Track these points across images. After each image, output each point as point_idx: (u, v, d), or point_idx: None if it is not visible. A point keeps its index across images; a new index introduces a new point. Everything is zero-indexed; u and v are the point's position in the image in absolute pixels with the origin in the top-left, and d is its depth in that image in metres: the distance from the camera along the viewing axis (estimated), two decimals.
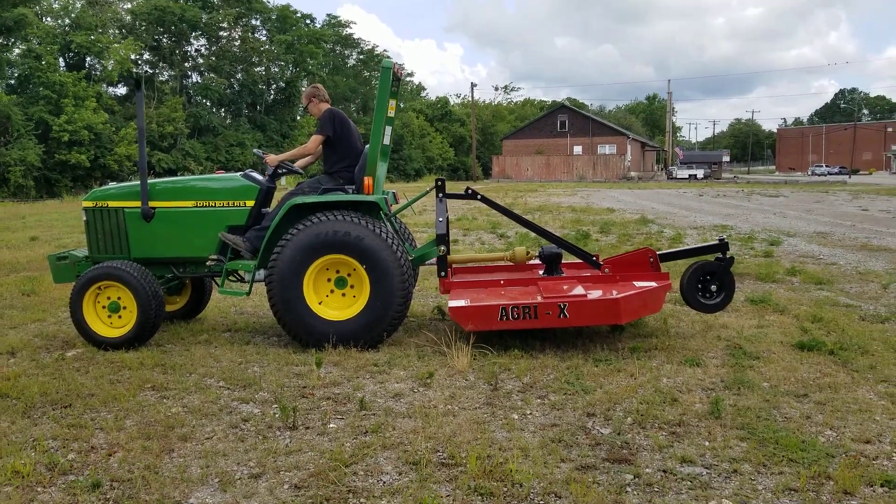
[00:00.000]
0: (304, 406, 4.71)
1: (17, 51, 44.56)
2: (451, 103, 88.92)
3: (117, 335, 6.16)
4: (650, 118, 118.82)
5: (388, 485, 3.58)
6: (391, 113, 6.50)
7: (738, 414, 4.47)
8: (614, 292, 6.04)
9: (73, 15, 49.75)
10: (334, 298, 6.14)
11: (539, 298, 5.90)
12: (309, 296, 6.02)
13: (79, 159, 41.66)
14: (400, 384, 5.18)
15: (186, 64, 58.29)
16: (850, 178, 65.02)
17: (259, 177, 6.67)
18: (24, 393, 4.95)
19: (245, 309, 8.00)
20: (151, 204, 6.49)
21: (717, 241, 6.62)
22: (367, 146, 6.40)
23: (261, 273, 6.28)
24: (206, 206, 6.47)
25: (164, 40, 55.87)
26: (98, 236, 6.61)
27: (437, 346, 6.00)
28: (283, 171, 6.72)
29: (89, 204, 6.64)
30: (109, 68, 48.50)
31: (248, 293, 6.54)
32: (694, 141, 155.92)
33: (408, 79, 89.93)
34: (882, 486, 3.53)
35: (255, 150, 7.24)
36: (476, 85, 77.66)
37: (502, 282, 6.60)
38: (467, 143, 79.23)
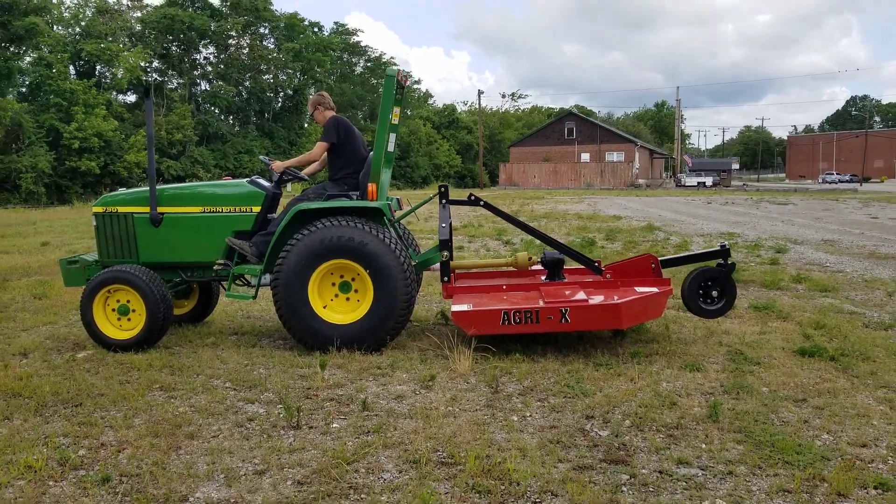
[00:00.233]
0: (308, 406, 4.81)
1: (28, 59, 45.00)
2: (459, 111, 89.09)
3: (126, 337, 6.27)
4: (659, 125, 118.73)
5: (389, 482, 3.66)
6: (395, 120, 6.60)
7: (736, 417, 4.53)
8: (616, 297, 6.11)
9: (83, 23, 50.22)
10: (338, 302, 6.24)
11: (541, 303, 5.97)
12: (314, 300, 6.12)
13: (89, 166, 42.00)
14: (402, 386, 5.26)
15: (195, 72, 58.69)
16: (860, 185, 64.83)
17: (265, 183, 6.78)
18: (36, 392, 5.06)
19: (251, 313, 8.11)
20: (160, 209, 6.60)
21: (718, 248, 6.68)
22: (371, 153, 6.50)
23: (267, 277, 6.38)
24: (213, 212, 6.58)
25: (174, 48, 56.28)
26: (108, 241, 6.72)
27: (439, 349, 6.09)
28: (289, 177, 6.83)
29: (99, 209, 6.76)
30: (119, 76, 48.89)
31: (255, 297, 6.65)
32: (703, 148, 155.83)
33: (415, 86, 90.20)
34: (875, 488, 3.58)
35: (261, 157, 7.35)
36: (483, 92, 77.83)
37: (504, 287, 6.68)
38: (474, 150, 79.37)
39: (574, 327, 5.88)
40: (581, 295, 6.20)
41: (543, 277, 6.92)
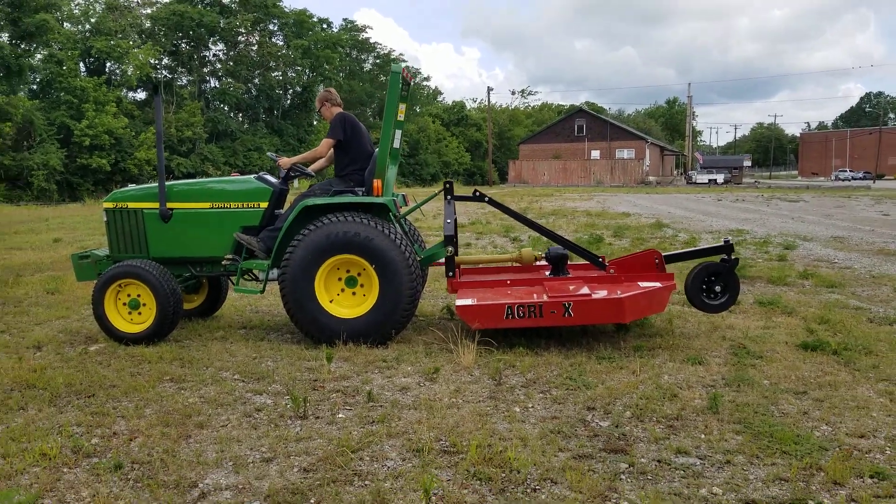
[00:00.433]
0: (315, 397, 4.90)
1: (38, 56, 45.28)
2: (468, 108, 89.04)
3: (137, 331, 6.38)
4: (670, 122, 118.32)
5: (392, 469, 3.75)
6: (401, 117, 6.69)
7: (736, 409, 4.59)
8: (619, 292, 6.17)
9: (93, 20, 50.49)
10: (345, 297, 6.33)
11: (544, 297, 6.05)
12: (320, 294, 6.21)
13: (100, 163, 42.26)
14: (407, 378, 5.35)
15: (205, 69, 58.91)
16: (874, 183, 64.46)
17: (272, 179, 6.87)
18: (50, 383, 5.18)
19: (260, 307, 8.21)
20: (169, 205, 6.70)
21: (722, 243, 6.73)
22: (377, 149, 6.59)
23: (274, 272, 6.48)
24: (221, 208, 6.68)
25: (183, 45, 56.52)
26: (118, 236, 6.84)
27: (444, 343, 6.17)
28: (296, 173, 6.92)
29: (110, 205, 6.87)
30: (129, 73, 49.16)
31: (262, 292, 6.75)
32: (715, 145, 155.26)
33: (424, 83, 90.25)
34: (871, 477, 3.64)
35: (269, 154, 7.45)
36: (492, 89, 78.12)
37: (509, 282, 6.75)
38: (483, 147, 79.39)
39: (577, 321, 5.95)
40: (584, 290, 6.27)
41: (548, 273, 6.99)
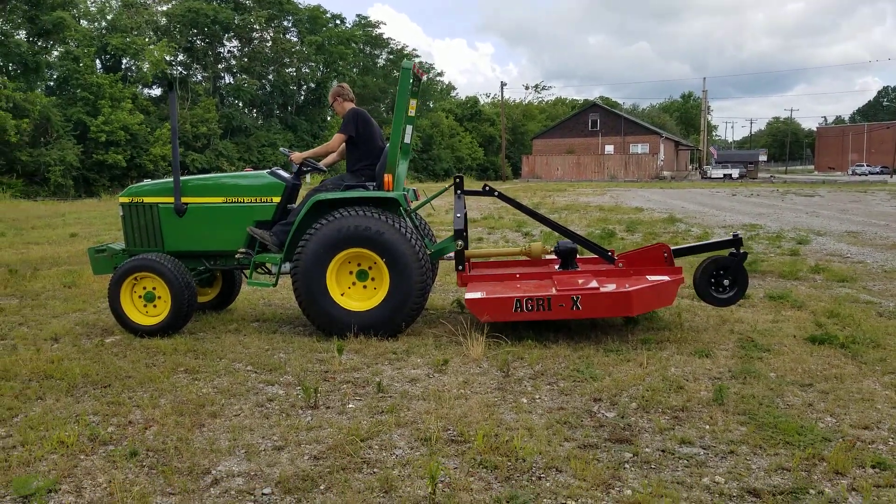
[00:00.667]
0: (326, 388, 4.99)
1: (55, 53, 45.65)
2: (481, 103, 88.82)
3: (152, 323, 6.50)
4: (685, 117, 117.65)
5: (400, 457, 3.84)
6: (412, 112, 6.76)
7: (742, 401, 4.64)
8: (627, 286, 6.22)
9: (109, 17, 50.84)
10: (356, 290, 6.42)
11: (553, 291, 6.11)
12: (332, 287, 6.30)
13: (116, 159, 42.58)
14: (416, 370, 5.44)
15: (219, 65, 59.19)
16: (891, 177, 63.87)
17: (285, 174, 6.97)
18: (67, 374, 5.30)
19: (273, 301, 8.32)
20: (184, 200, 6.81)
21: (731, 237, 6.76)
22: (388, 144, 6.66)
23: (287, 266, 6.57)
24: (235, 203, 6.78)
25: (198, 42, 56.80)
26: (134, 230, 6.95)
27: (453, 336, 6.25)
28: (308, 168, 7.01)
29: (125, 200, 6.99)
30: (145, 70, 49.47)
31: (275, 285, 6.85)
32: (731, 140, 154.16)
33: (437, 79, 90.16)
34: (873, 467, 3.69)
35: (281, 150, 7.54)
36: (506, 84, 77.94)
37: (518, 275, 6.82)
38: (497, 142, 79.27)
39: (585, 314, 6.01)
40: (593, 283, 6.32)
41: (557, 266, 7.05)
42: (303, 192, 7.16)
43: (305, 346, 6.15)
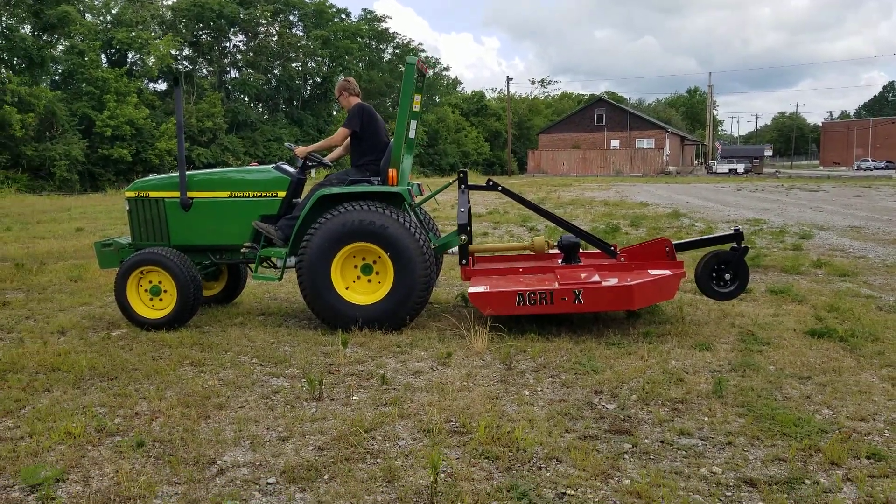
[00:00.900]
0: (330, 381, 5.06)
1: (60, 47, 45.74)
2: (487, 97, 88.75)
3: (158, 316, 6.57)
4: (691, 112, 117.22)
5: (403, 448, 3.90)
6: (416, 107, 6.81)
7: (740, 393, 4.69)
8: (628, 280, 6.27)
9: (114, 12, 50.91)
10: (360, 284, 6.48)
11: (555, 285, 6.16)
12: (336, 281, 6.36)
13: (121, 154, 42.68)
14: (420, 363, 5.50)
15: (225, 60, 59.24)
16: None
17: (290, 169, 7.03)
18: (74, 367, 5.37)
19: (278, 294, 8.39)
20: (190, 194, 6.87)
21: (732, 232, 6.80)
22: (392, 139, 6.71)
23: (292, 260, 6.63)
24: (240, 197, 6.84)
25: (203, 36, 56.85)
26: (140, 224, 7.02)
27: (457, 329, 6.31)
28: (313, 163, 7.07)
29: (132, 194, 7.05)
30: (150, 64, 49.55)
31: (280, 279, 6.91)
32: (736, 135, 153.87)
33: (443, 73, 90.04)
34: (868, 458, 3.74)
35: (286, 144, 7.59)
36: (512, 79, 77.53)
37: (521, 269, 6.87)
38: (503, 137, 79.21)
39: (587, 308, 6.06)
40: (595, 277, 6.37)
41: (560, 261, 7.10)
42: (308, 187, 7.22)
43: (310, 339, 6.22)
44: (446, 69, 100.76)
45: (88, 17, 49.03)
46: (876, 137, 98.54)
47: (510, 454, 3.79)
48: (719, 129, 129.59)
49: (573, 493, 3.40)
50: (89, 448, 3.96)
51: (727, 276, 6.63)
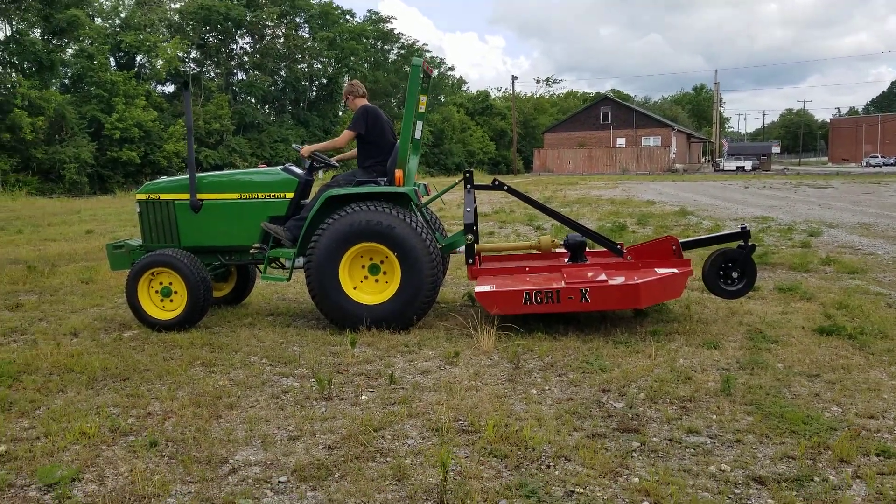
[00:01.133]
0: (339, 380, 5.10)
1: (70, 51, 45.98)
2: (492, 97, 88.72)
3: (169, 317, 6.62)
4: (697, 109, 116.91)
5: (412, 447, 3.94)
6: (422, 108, 6.84)
7: (749, 391, 4.70)
8: (635, 278, 6.28)
9: (122, 15, 51.16)
10: (368, 284, 6.52)
11: (562, 284, 6.18)
12: (344, 281, 6.40)
13: (130, 156, 42.87)
14: (428, 362, 5.53)
15: (232, 62, 59.41)
16: None
17: (298, 170, 7.07)
18: (87, 368, 5.43)
19: (286, 295, 8.44)
20: (199, 196, 6.92)
21: (739, 229, 6.81)
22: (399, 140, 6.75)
23: (300, 260, 6.67)
24: (249, 198, 6.89)
25: (211, 39, 57.03)
26: (151, 226, 7.08)
27: (464, 328, 6.34)
28: (320, 164, 7.12)
29: (142, 196, 7.11)
30: (158, 67, 49.75)
31: (289, 279, 6.96)
32: (743, 132, 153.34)
33: (448, 73, 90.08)
34: (878, 455, 3.75)
35: (293, 146, 7.63)
36: (517, 78, 77.43)
37: (528, 268, 6.89)
38: (508, 136, 79.19)
39: (594, 307, 6.08)
40: (602, 276, 6.39)
41: (566, 259, 7.12)
42: (315, 188, 7.26)
43: (319, 339, 6.26)
44: (451, 69, 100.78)
45: (97, 20, 49.29)
46: (885, 133, 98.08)
47: (519, 453, 3.81)
48: (726, 126, 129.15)
49: (582, 491, 3.42)
50: (104, 448, 4.01)
51: (735, 274, 6.64)
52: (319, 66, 63.62)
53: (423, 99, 6.84)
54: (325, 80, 64.17)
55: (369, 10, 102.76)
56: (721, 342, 5.88)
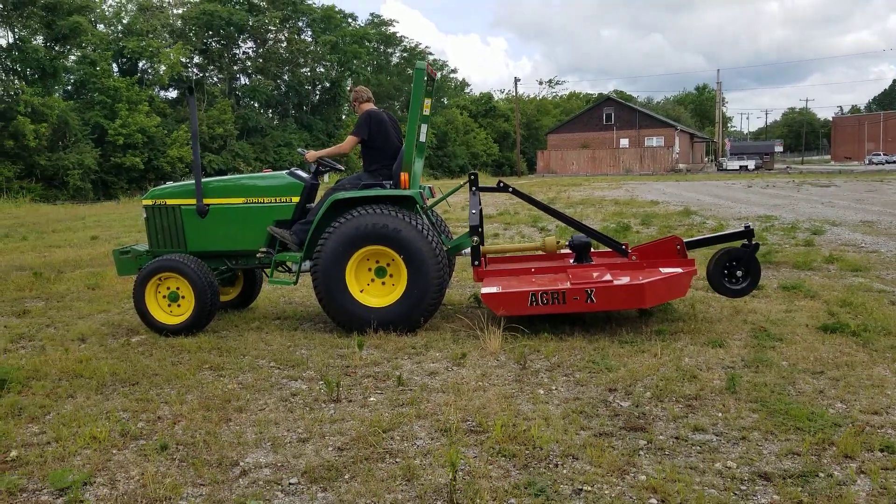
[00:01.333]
0: (347, 382, 5.14)
1: (72, 57, 46.18)
2: (495, 99, 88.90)
3: (177, 322, 6.66)
4: (700, 109, 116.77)
5: (421, 447, 3.97)
6: (426, 111, 6.88)
7: (754, 389, 4.73)
8: (640, 278, 6.32)
9: (125, 21, 51.36)
10: (375, 287, 6.56)
11: (567, 284, 6.21)
12: (351, 284, 6.44)
13: (133, 162, 43.04)
14: (435, 364, 5.57)
15: (234, 67, 59.61)
16: None
17: (304, 174, 7.12)
18: (96, 373, 5.47)
19: (293, 299, 8.48)
20: (206, 201, 6.97)
21: (742, 228, 6.83)
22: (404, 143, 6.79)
23: (307, 264, 6.72)
24: (255, 203, 6.93)
25: (213, 44, 57.21)
26: (157, 232, 7.13)
27: (471, 330, 6.37)
28: (325, 168, 7.16)
29: (149, 202, 7.16)
30: (161, 72, 49.93)
31: (296, 283, 7.00)
32: (746, 131, 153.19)
33: (451, 75, 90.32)
34: (882, 451, 3.77)
35: (299, 150, 7.68)
36: (520, 80, 76.74)
37: (533, 270, 6.93)
38: (511, 138, 79.20)
39: (599, 307, 6.11)
40: (607, 276, 6.42)
41: (571, 260, 7.15)
42: (321, 192, 7.31)
43: (326, 342, 6.30)
44: (454, 71, 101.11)
45: (100, 27, 49.51)
46: (887, 131, 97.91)
47: (527, 452, 3.85)
48: (729, 125, 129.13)
49: (590, 489, 3.45)
50: (114, 452, 4.05)
51: (739, 273, 6.67)
52: (322, 69, 63.77)
53: (428, 102, 6.89)
54: (328, 84, 64.34)
55: (371, 14, 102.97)
56: (726, 341, 5.90)
